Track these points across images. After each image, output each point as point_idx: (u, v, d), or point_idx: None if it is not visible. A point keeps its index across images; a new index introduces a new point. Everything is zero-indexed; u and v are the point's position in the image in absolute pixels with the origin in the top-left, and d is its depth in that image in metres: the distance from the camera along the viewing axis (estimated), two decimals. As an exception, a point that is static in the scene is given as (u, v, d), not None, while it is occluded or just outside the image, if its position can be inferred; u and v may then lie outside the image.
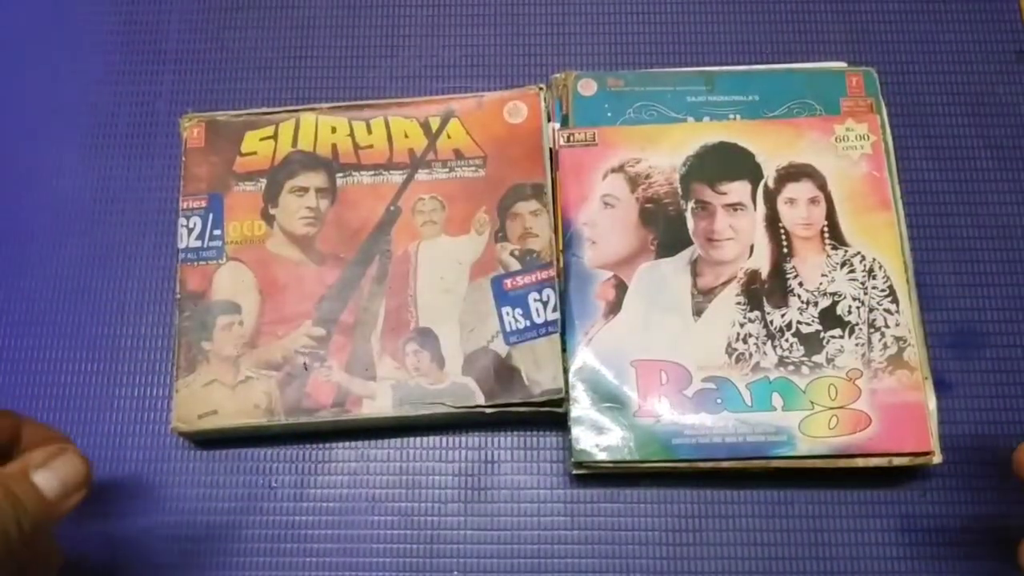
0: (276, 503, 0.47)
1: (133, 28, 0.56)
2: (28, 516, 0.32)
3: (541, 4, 0.56)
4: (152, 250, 0.52)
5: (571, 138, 0.49)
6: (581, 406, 0.45)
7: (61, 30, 0.56)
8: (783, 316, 0.46)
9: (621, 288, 0.47)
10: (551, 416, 0.46)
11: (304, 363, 0.46)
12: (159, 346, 0.50)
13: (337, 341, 0.47)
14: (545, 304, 0.47)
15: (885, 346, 0.45)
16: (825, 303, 0.46)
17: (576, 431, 0.45)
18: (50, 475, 0.34)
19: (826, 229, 0.47)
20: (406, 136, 0.50)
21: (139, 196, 0.53)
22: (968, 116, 0.53)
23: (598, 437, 0.44)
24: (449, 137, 0.50)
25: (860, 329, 0.46)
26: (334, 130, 0.50)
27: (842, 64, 0.52)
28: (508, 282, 0.48)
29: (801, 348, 0.46)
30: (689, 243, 0.48)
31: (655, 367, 0.45)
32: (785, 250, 0.47)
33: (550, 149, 0.50)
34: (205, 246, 0.49)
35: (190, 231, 0.49)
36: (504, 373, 0.46)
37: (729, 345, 0.46)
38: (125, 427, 0.49)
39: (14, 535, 0.32)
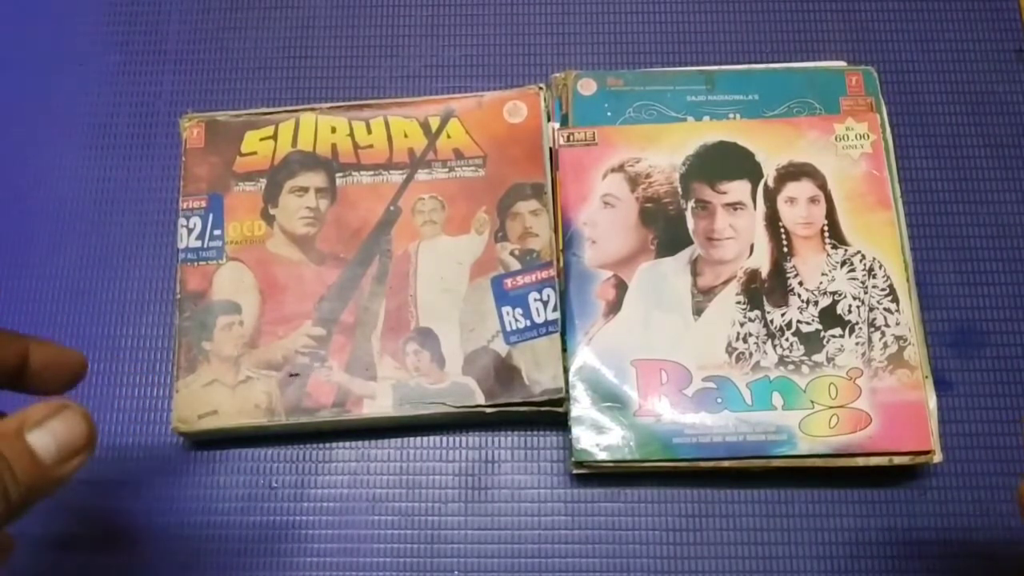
0: (276, 503, 0.47)
1: (133, 28, 0.56)
2: (17, 483, 0.28)
3: (541, 4, 0.56)
4: (152, 250, 0.52)
5: (571, 138, 0.49)
6: (581, 406, 0.45)
7: (60, 30, 0.56)
8: (783, 315, 0.46)
9: (621, 288, 0.47)
10: (551, 416, 0.46)
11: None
12: (159, 346, 0.50)
13: (337, 341, 0.47)
14: (545, 304, 0.47)
15: (885, 345, 0.45)
16: (825, 302, 0.46)
17: (576, 431, 0.45)
18: (47, 436, 0.29)
19: (826, 228, 0.47)
20: (406, 136, 0.50)
21: (139, 196, 0.53)
22: (968, 115, 0.53)
23: (598, 436, 0.44)
24: (449, 137, 0.50)
25: (860, 328, 0.46)
26: (334, 130, 0.50)
27: (842, 63, 0.52)
28: (508, 282, 0.48)
29: (801, 347, 0.46)
30: (689, 242, 0.48)
31: (655, 366, 0.45)
32: (785, 249, 0.47)
33: (550, 149, 0.50)
34: (205, 246, 0.49)
35: (190, 231, 0.49)
36: (504, 373, 0.46)
37: (729, 344, 0.46)
38: (125, 427, 0.49)
39: None
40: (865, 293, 0.46)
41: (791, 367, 0.45)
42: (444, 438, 0.48)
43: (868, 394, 0.45)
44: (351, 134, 0.50)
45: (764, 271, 0.47)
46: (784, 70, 0.52)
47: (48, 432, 0.29)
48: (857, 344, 0.45)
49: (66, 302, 0.51)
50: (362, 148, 0.50)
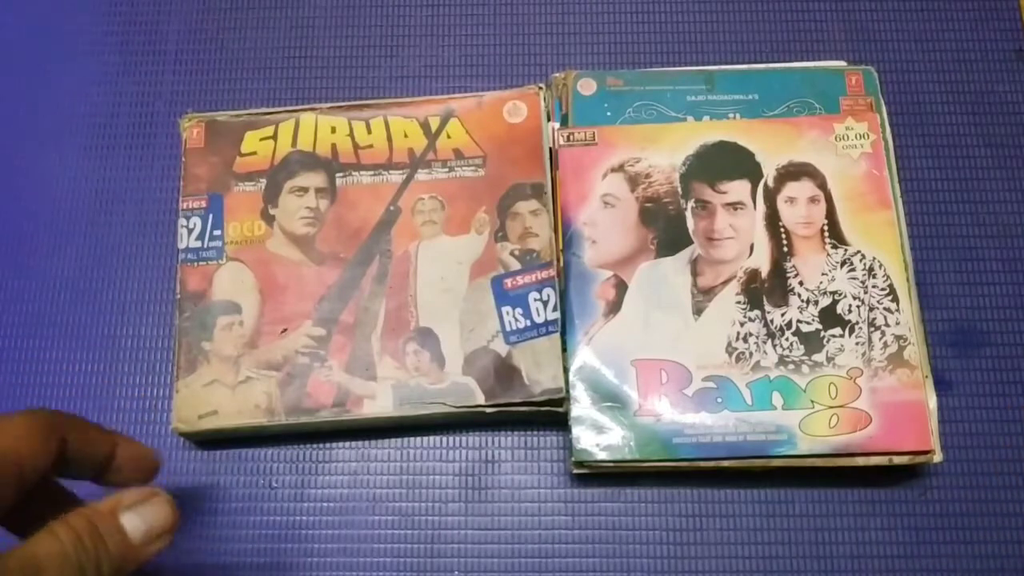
0: (276, 503, 0.47)
1: (133, 28, 0.56)
2: (111, 558, 0.31)
3: (541, 4, 0.56)
4: (152, 250, 0.52)
5: (571, 137, 0.49)
6: (581, 405, 0.45)
7: (60, 31, 0.56)
8: (783, 315, 0.46)
9: (621, 287, 0.47)
10: (551, 416, 0.46)
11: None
12: (159, 346, 0.50)
13: (337, 341, 0.47)
14: (545, 304, 0.47)
15: (885, 345, 0.45)
16: (825, 302, 0.46)
17: (576, 430, 0.45)
18: (137, 519, 0.33)
19: (826, 228, 0.47)
20: (406, 136, 0.50)
21: (139, 196, 0.53)
22: (968, 115, 0.53)
23: (598, 436, 0.44)
24: (449, 137, 0.50)
25: (860, 328, 0.46)
26: (334, 130, 0.50)
27: (842, 63, 0.52)
28: (508, 282, 0.48)
29: (801, 347, 0.46)
30: (689, 242, 0.48)
31: (655, 366, 0.45)
32: (785, 249, 0.47)
33: (550, 149, 0.50)
34: (205, 246, 0.49)
35: (190, 231, 0.49)
36: (504, 373, 0.46)
37: (729, 344, 0.46)
38: (125, 427, 0.49)
39: None
40: (865, 293, 0.46)
41: (791, 367, 0.45)
42: (444, 438, 0.48)
43: (868, 394, 0.45)
44: (351, 134, 0.50)
45: (764, 271, 0.47)
46: (784, 70, 0.52)
47: (139, 515, 0.33)
48: (857, 344, 0.45)
49: (66, 302, 0.51)
50: (362, 148, 0.50)
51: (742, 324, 0.46)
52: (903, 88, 0.54)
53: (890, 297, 0.46)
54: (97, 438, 0.36)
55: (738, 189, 0.48)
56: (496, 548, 0.46)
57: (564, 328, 0.46)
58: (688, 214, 0.48)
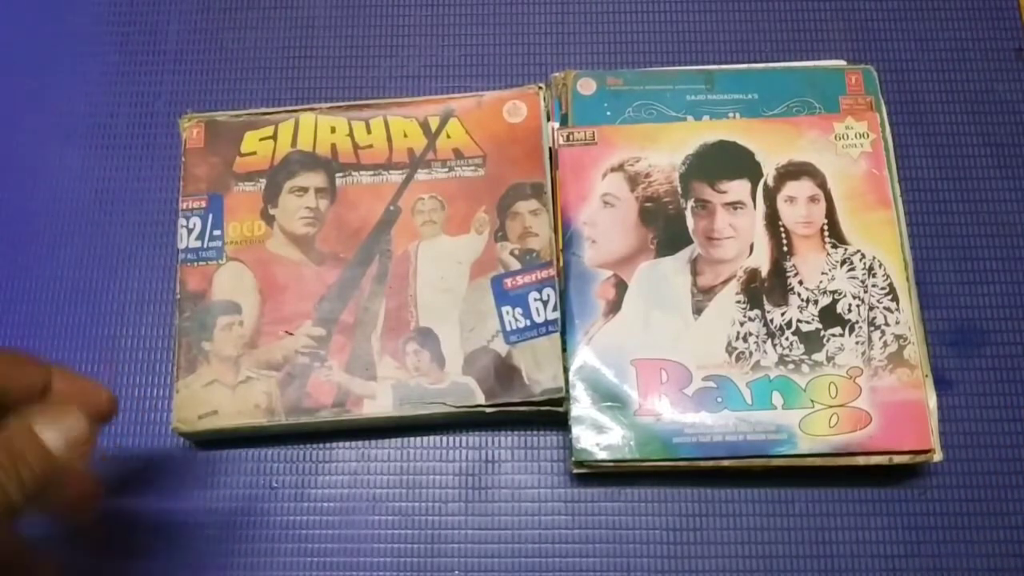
0: (276, 503, 0.47)
1: (132, 28, 0.56)
2: (31, 471, 0.31)
3: (541, 4, 0.56)
4: (152, 250, 0.52)
5: (571, 137, 0.49)
6: (581, 405, 0.45)
7: (60, 30, 0.56)
8: (783, 314, 0.46)
9: (621, 287, 0.47)
10: (551, 415, 0.46)
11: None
12: (159, 346, 0.50)
13: (337, 341, 0.47)
14: (545, 303, 0.47)
15: (885, 344, 0.45)
16: (825, 301, 0.46)
17: (576, 430, 0.45)
18: (53, 430, 0.32)
19: (826, 227, 0.47)
20: (405, 136, 0.50)
21: (139, 196, 0.53)
22: (967, 114, 0.53)
23: (599, 436, 0.44)
24: (449, 137, 0.50)
25: (860, 327, 0.46)
26: (333, 130, 0.50)
27: (841, 62, 0.52)
28: (508, 281, 0.48)
29: (801, 346, 0.46)
30: (689, 242, 0.48)
31: (655, 366, 0.45)
32: (785, 248, 0.47)
33: (550, 148, 0.50)
34: (205, 246, 0.49)
35: (190, 231, 0.49)
36: (504, 372, 0.46)
37: (729, 344, 0.46)
38: (125, 427, 0.49)
39: (15, 494, 0.30)
40: (865, 292, 0.46)
41: (791, 366, 0.45)
42: (444, 438, 0.48)
43: (868, 393, 0.45)
44: (351, 134, 0.50)
45: (764, 270, 0.47)
46: (783, 69, 0.52)
47: (54, 427, 0.32)
48: (857, 343, 0.45)
49: (66, 302, 0.51)
50: (362, 148, 0.50)
51: (742, 324, 0.46)
52: (903, 88, 0.54)
53: (890, 296, 0.46)
54: (29, 371, 0.34)
55: (738, 189, 0.48)
56: (496, 548, 0.46)
57: (564, 328, 0.46)
58: (688, 213, 0.48)
